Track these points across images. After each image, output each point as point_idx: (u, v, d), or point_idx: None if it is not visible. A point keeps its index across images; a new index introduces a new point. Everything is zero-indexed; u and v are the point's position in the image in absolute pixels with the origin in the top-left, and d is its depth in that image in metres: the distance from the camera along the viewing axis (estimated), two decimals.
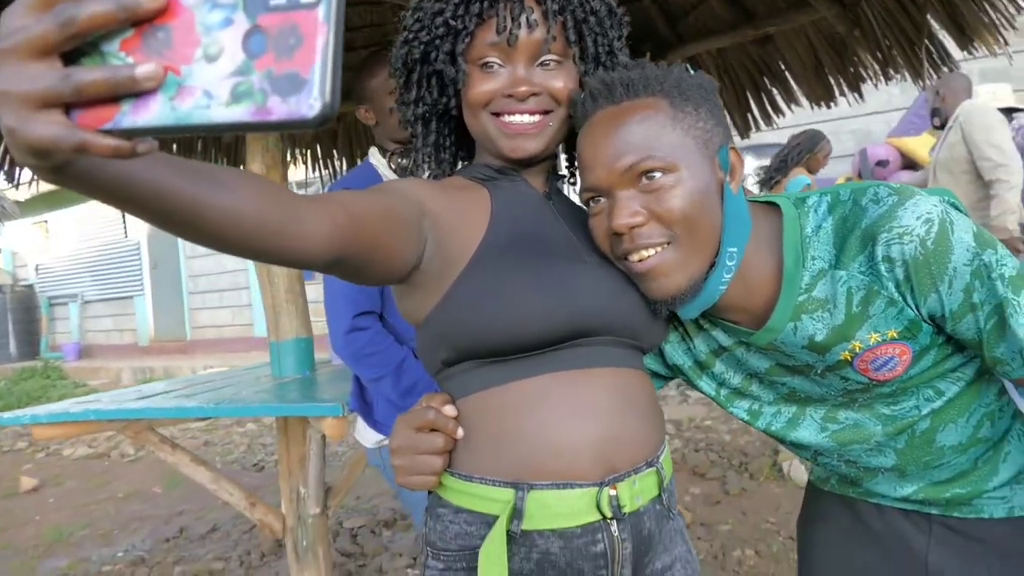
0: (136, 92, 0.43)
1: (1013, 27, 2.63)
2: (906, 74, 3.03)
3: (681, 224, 0.94)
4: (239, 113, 0.41)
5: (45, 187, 3.53)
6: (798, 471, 3.86)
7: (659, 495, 1.00)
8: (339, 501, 2.42)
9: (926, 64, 2.93)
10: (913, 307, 0.93)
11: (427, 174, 1.12)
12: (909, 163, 5.93)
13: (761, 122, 3.56)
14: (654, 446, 1.00)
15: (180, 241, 12.04)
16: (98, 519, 4.53)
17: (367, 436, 1.85)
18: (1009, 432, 1.06)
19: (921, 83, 3.05)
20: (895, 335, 0.95)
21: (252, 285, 11.27)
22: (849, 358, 0.98)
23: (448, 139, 1.12)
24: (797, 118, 3.68)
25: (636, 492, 0.96)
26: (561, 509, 0.92)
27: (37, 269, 14.95)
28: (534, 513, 0.91)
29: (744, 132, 3.60)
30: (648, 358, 1.16)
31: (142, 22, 0.43)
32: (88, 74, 0.42)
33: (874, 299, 0.94)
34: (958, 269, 0.89)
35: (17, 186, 3.85)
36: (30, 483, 5.36)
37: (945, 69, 2.95)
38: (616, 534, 0.94)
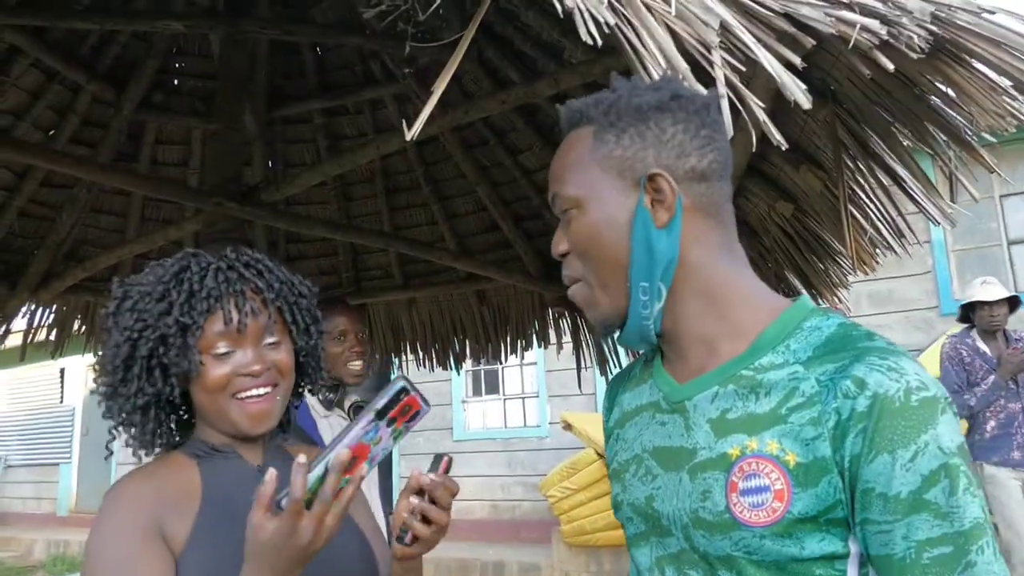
0: None
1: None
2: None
3: (585, 258, 0.93)
4: None
5: None
6: None
7: None
8: None
9: None
10: (843, 455, 0.77)
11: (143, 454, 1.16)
12: None
13: None
14: None
15: None
16: None
17: None
18: None
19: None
20: (792, 460, 0.79)
21: None
22: (734, 458, 0.83)
23: (166, 423, 1.17)
24: None
25: None
26: None
27: None
28: None
29: None
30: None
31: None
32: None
33: (805, 408, 0.80)
34: (930, 449, 0.74)
35: None
36: None
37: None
38: None
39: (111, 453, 1.21)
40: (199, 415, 1.18)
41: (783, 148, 1.20)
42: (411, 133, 1.12)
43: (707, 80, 1.16)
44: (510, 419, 8.90)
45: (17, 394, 13.67)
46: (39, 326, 4.12)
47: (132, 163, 3.66)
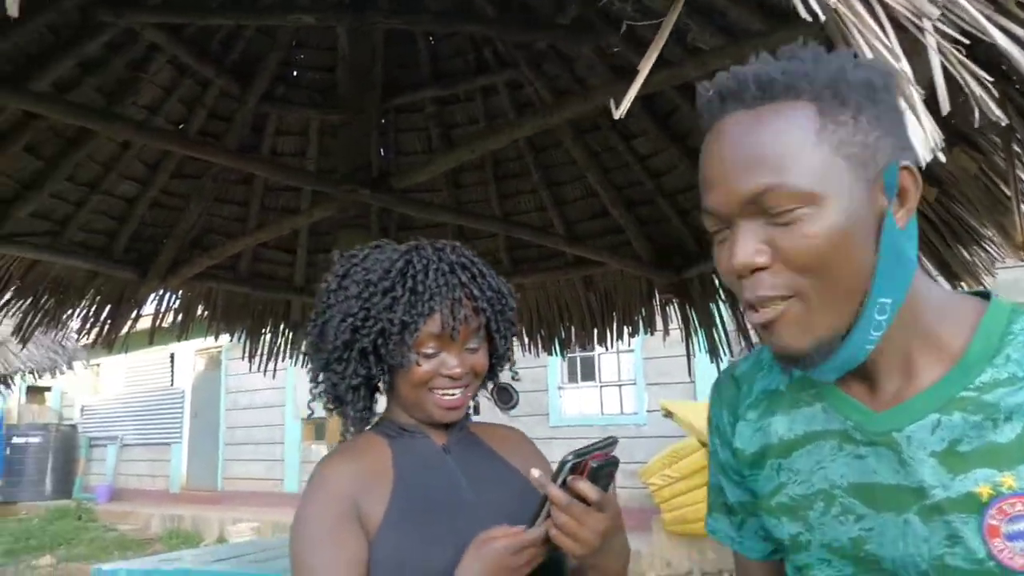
0: None
1: None
2: None
3: (814, 272, 0.74)
4: None
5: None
6: None
7: None
8: None
9: None
10: None
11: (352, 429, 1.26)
12: None
13: None
14: None
15: (222, 392, 12.47)
16: None
17: None
18: None
19: None
20: None
21: (287, 440, 11.55)
22: (985, 497, 0.72)
23: (371, 402, 1.27)
24: None
25: None
26: None
27: (82, 410, 15.41)
28: None
29: None
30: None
31: None
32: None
33: None
34: None
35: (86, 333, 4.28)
36: None
37: None
38: None
39: (312, 412, 1.33)
40: (394, 398, 1.26)
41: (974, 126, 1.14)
42: (619, 111, 1.10)
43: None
44: (607, 406, 8.88)
45: (131, 378, 14.45)
46: (166, 311, 4.34)
47: (255, 154, 3.78)
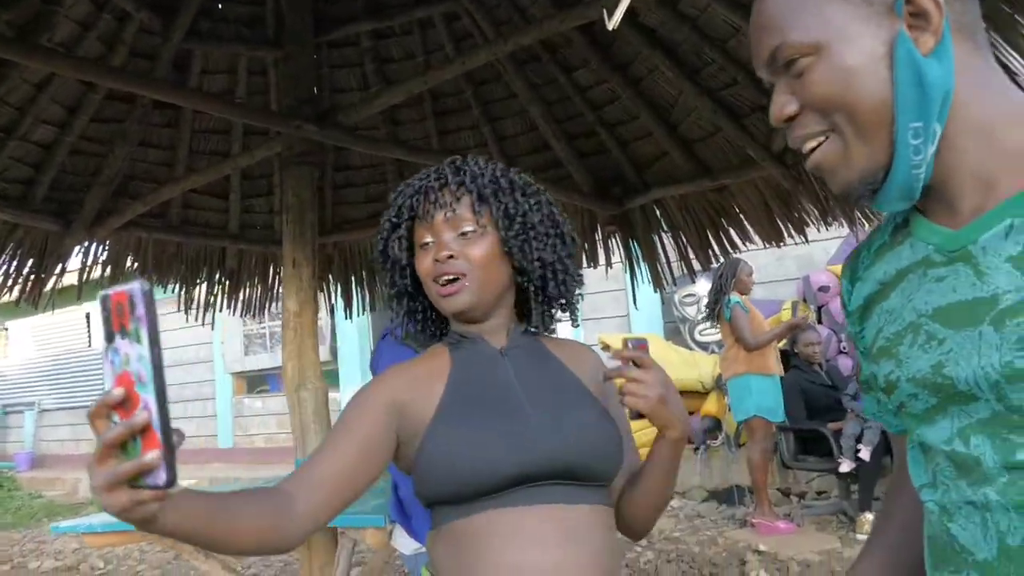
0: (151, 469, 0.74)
1: None
2: (842, 220, 3.54)
3: (835, 109, 0.80)
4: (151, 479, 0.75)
5: (4, 298, 3.79)
6: None
7: None
8: None
9: (857, 214, 3.44)
10: None
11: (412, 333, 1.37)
12: None
13: (720, 254, 4.01)
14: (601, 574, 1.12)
15: None
16: None
17: (405, 544, 2.10)
18: None
19: (854, 228, 3.57)
20: None
21: (217, 396, 11.33)
22: None
23: (421, 313, 1.32)
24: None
25: None
26: None
27: None
28: None
29: (705, 265, 4.05)
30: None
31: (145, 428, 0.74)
32: (123, 466, 0.74)
33: None
34: None
35: None
36: None
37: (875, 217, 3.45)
38: None
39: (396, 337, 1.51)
40: None
41: None
42: (612, 22, 1.09)
43: None
44: None
45: (43, 340, 13.85)
46: (93, 263, 4.13)
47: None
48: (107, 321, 0.76)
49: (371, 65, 3.75)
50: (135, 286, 0.74)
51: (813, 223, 3.62)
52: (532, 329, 1.32)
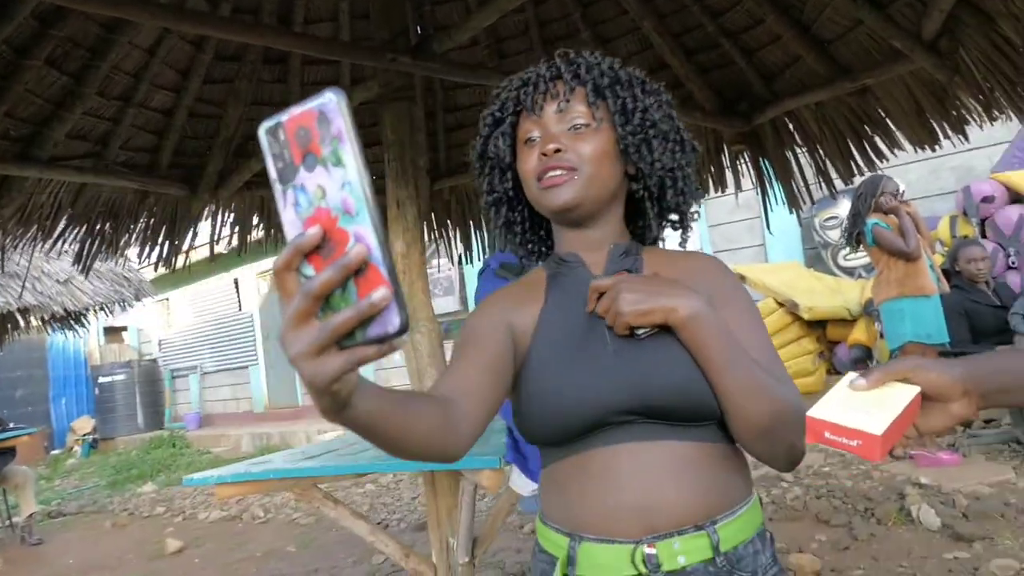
0: (372, 316, 0.58)
1: None
2: (1011, 113, 3.07)
3: None
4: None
5: (158, 271, 3.96)
6: (928, 515, 3.79)
7: (712, 558, 1.03)
8: (485, 549, 2.58)
9: None
10: None
11: (509, 250, 1.31)
12: (1015, 197, 5.82)
13: (864, 167, 3.63)
14: (704, 512, 1.04)
15: None
16: None
17: (523, 485, 2.01)
18: None
19: None
20: None
21: None
22: None
23: (520, 225, 1.24)
24: (898, 156, 3.74)
25: (678, 552, 1.02)
26: (602, 560, 1.04)
27: (160, 344, 15.92)
28: (583, 561, 1.06)
29: (847, 178, 3.67)
30: None
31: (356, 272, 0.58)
32: (338, 317, 0.58)
33: None
34: None
35: (155, 266, 4.24)
36: (175, 545, 5.72)
37: None
38: None
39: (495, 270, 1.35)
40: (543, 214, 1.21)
41: None
42: None
43: None
44: None
45: (200, 309, 14.79)
46: (221, 227, 4.23)
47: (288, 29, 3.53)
48: (280, 157, 0.60)
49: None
50: (326, 98, 0.58)
51: (975, 120, 3.18)
52: (634, 249, 1.21)
